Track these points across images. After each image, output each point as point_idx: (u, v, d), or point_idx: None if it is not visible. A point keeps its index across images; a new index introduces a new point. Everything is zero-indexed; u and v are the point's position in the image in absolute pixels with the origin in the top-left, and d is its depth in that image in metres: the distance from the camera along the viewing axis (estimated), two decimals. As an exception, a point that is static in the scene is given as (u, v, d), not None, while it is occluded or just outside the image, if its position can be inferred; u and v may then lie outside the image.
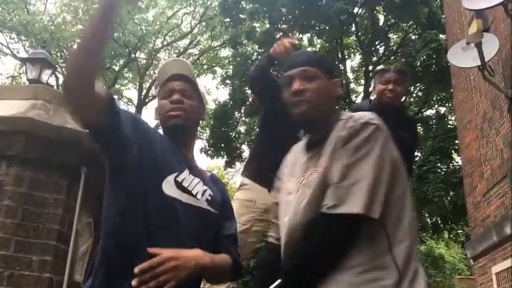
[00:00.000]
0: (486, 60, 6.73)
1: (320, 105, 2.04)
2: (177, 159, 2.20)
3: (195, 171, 2.24)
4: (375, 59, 21.54)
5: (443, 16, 14.96)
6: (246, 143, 22.18)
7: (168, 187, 2.06)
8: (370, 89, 4.22)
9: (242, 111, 22.48)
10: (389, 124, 3.38)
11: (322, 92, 2.04)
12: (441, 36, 16.78)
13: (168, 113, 2.24)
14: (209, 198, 2.21)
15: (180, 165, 2.18)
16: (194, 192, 2.15)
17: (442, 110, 22.17)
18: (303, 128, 2.22)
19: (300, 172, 2.09)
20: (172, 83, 2.30)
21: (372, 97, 4.24)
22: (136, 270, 1.83)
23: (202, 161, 42.90)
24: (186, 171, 2.18)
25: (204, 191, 2.21)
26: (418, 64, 17.32)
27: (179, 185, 2.10)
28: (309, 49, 22.36)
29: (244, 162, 4.84)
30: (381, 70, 4.26)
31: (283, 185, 2.20)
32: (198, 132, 30.58)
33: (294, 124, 2.12)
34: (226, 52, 27.82)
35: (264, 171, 3.83)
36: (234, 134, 22.83)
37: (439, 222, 19.44)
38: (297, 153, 2.24)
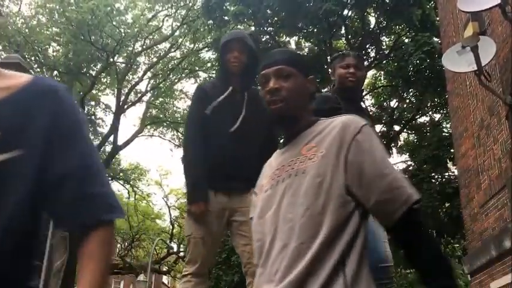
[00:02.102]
0: (483, 65, 6.70)
1: (295, 102, 2.16)
2: None
3: None
4: (366, 62, 21.53)
5: (438, 18, 15.01)
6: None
7: None
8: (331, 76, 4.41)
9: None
10: (351, 109, 3.42)
11: (297, 90, 2.17)
12: (435, 39, 16.83)
13: None
14: None
15: None
16: None
17: (437, 116, 22.20)
18: (279, 124, 2.32)
19: (275, 166, 2.19)
20: None
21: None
22: None
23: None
24: None
25: None
26: (411, 68, 17.37)
27: None
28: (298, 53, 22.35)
29: None
30: (340, 55, 4.32)
31: (260, 187, 2.26)
32: (180, 140, 30.50)
33: None
34: (209, 55, 27.80)
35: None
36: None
37: (434, 235, 19.42)
38: (272, 158, 2.35)
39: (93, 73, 26.54)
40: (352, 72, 4.06)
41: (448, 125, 18.72)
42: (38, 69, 25.53)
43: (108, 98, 33.31)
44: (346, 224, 1.92)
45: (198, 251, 3.71)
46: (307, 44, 23.01)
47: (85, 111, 26.56)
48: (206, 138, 3.84)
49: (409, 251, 1.95)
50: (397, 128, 22.83)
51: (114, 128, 26.40)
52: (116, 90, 27.75)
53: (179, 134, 30.24)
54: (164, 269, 34.99)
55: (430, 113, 22.25)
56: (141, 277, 26.28)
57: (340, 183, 1.94)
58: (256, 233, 2.15)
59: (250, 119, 3.90)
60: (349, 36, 21.29)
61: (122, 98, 27.42)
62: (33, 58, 24.53)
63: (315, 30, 19.88)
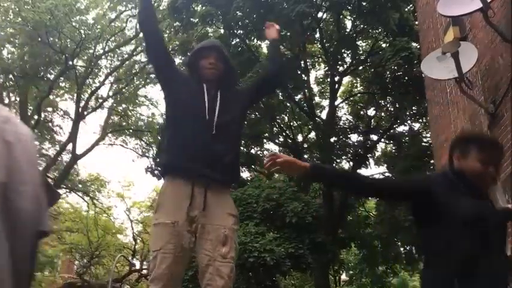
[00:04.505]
0: (464, 72, 6.70)
1: None
2: None
3: None
4: (341, 68, 21.63)
5: (416, 22, 15.08)
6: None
7: None
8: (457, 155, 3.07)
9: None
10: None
11: None
12: (413, 44, 16.91)
13: None
14: None
15: None
16: None
17: (416, 126, 22.35)
18: None
19: None
20: None
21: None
22: None
23: (147, 181, 42.25)
24: None
25: None
26: (388, 74, 17.44)
27: None
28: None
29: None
30: (482, 141, 3.27)
31: None
32: (144, 150, 30.33)
33: None
34: (176, 60, 27.66)
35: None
36: (184, 152, 22.54)
37: (414, 251, 19.48)
38: None
39: (51, 77, 26.26)
40: (493, 177, 3.19)
41: (428, 135, 18.83)
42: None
43: (67, 104, 33.22)
44: None
45: (166, 267, 3.52)
46: (279, 48, 23.00)
47: (42, 118, 26.26)
48: (179, 121, 3.83)
49: None
50: (374, 137, 22.94)
51: (73, 136, 26.13)
52: (75, 95, 27.50)
53: (143, 143, 29.98)
54: (126, 288, 34.68)
55: (409, 122, 22.37)
56: (101, 296, 26.03)
57: None
58: None
59: (225, 114, 3.83)
60: (324, 41, 21.35)
61: (82, 103, 27.16)
62: (-13, 60, 24.22)
63: (288, 33, 19.87)
